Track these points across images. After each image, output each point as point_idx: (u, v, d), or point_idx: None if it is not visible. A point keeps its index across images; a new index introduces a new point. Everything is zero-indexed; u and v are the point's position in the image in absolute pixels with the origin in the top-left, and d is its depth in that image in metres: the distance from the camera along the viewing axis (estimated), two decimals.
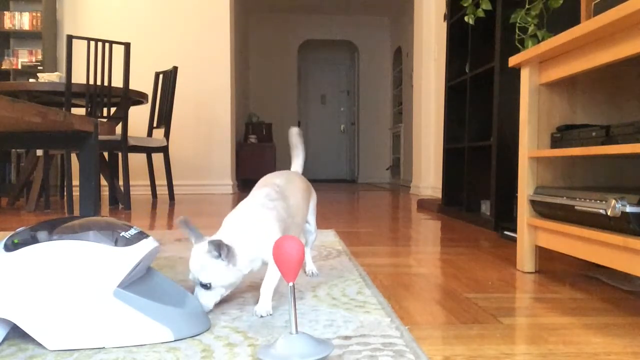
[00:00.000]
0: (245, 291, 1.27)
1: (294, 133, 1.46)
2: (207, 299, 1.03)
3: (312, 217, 1.41)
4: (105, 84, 3.53)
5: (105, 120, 3.63)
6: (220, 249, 1.00)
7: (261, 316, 1.06)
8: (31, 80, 4.16)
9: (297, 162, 1.46)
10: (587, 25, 1.21)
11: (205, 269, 1.02)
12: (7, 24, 5.43)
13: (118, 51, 3.68)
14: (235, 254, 1.04)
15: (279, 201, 1.17)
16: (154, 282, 1.00)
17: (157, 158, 4.73)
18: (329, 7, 8.56)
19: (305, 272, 1.45)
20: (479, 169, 2.94)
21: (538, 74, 1.54)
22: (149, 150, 4.12)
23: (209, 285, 1.02)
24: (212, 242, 1.00)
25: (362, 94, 9.23)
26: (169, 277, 1.06)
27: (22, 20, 5.45)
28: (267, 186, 1.21)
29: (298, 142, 1.46)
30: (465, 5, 2.56)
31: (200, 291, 1.03)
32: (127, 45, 3.62)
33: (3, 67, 5.49)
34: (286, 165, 7.45)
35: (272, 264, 1.09)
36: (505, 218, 2.44)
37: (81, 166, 1.72)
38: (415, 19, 5.31)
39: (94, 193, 1.69)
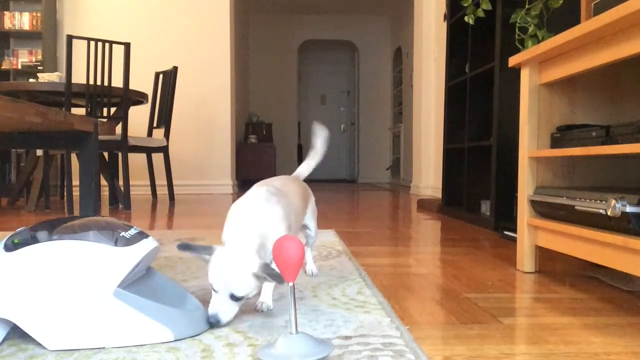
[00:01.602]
0: None
1: (321, 134, 1.40)
2: (232, 311, 0.98)
3: (312, 222, 1.39)
4: (105, 84, 3.53)
5: (105, 120, 3.63)
6: (269, 276, 0.95)
7: (261, 311, 1.07)
8: (31, 80, 4.16)
9: (306, 165, 1.42)
10: (587, 25, 1.21)
11: (243, 284, 0.96)
12: (7, 24, 5.43)
13: (118, 51, 3.68)
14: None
15: (280, 197, 1.15)
16: (154, 282, 1.00)
17: (157, 158, 4.73)
18: (329, 7, 8.56)
19: (305, 272, 1.45)
20: (479, 169, 2.94)
21: (538, 74, 1.54)
22: (149, 150, 4.12)
23: (240, 298, 0.97)
24: (265, 267, 0.96)
25: (362, 94, 9.24)
26: (169, 277, 1.06)
27: (22, 20, 5.45)
28: (265, 185, 1.20)
29: (320, 146, 1.41)
30: (465, 5, 2.56)
31: (226, 303, 0.97)
32: (127, 45, 3.62)
33: (3, 67, 5.49)
34: (285, 165, 7.43)
35: None
36: (505, 218, 2.44)
37: (81, 166, 1.72)
38: (415, 19, 5.30)
39: (94, 193, 1.69)
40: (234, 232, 1.04)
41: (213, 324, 0.96)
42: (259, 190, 1.13)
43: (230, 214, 1.09)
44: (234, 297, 0.97)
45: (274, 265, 1.08)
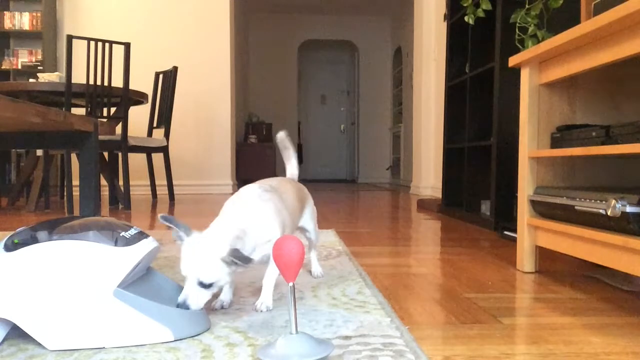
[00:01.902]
0: (245, 291, 1.26)
1: (282, 137, 1.37)
2: (202, 298, 0.96)
3: (310, 223, 1.37)
4: (105, 84, 3.53)
5: (105, 120, 3.63)
6: (238, 259, 0.95)
7: (260, 311, 1.07)
8: (31, 80, 4.16)
9: (291, 166, 1.40)
10: (587, 25, 1.21)
11: (210, 270, 0.95)
12: (7, 24, 5.43)
13: (118, 51, 3.67)
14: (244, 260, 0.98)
15: (274, 193, 1.15)
16: (154, 282, 1.00)
17: (157, 158, 4.73)
18: (329, 7, 8.56)
19: (311, 274, 1.43)
20: (479, 169, 2.94)
21: (538, 74, 1.54)
22: (149, 150, 4.12)
23: (209, 285, 0.96)
24: (233, 251, 0.95)
25: (362, 94, 9.23)
26: (169, 277, 1.06)
27: (22, 20, 5.45)
28: (259, 183, 1.19)
29: (289, 145, 1.37)
30: (465, 5, 2.56)
31: (194, 289, 0.96)
32: (127, 45, 3.62)
33: (3, 67, 5.49)
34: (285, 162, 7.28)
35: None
36: (505, 218, 2.44)
37: (81, 166, 1.72)
38: (415, 19, 5.30)
39: (94, 193, 1.69)
40: (215, 223, 1.04)
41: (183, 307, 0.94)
42: (252, 187, 1.14)
43: (222, 211, 1.10)
44: (202, 284, 0.95)
45: (273, 265, 1.08)
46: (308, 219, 1.36)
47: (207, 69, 5.51)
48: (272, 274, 1.10)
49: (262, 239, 1.06)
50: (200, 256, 0.96)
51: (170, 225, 0.99)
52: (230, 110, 5.56)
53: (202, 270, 0.95)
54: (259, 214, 1.08)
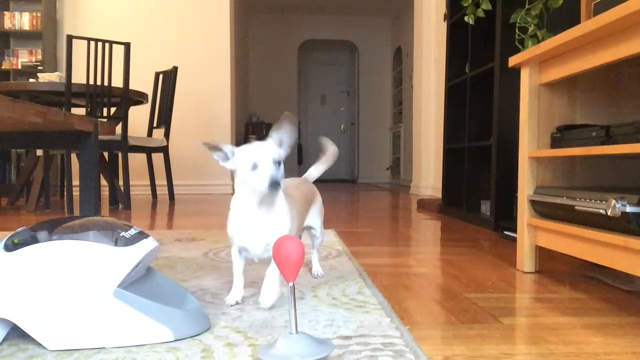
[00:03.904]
0: (245, 291, 1.26)
1: (328, 143, 1.47)
2: (280, 172, 1.08)
3: (317, 222, 1.38)
4: (105, 84, 3.53)
5: (105, 120, 3.63)
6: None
7: (264, 307, 1.07)
8: (31, 80, 4.16)
9: (316, 168, 1.44)
10: (587, 25, 1.21)
11: (277, 149, 1.10)
12: (7, 24, 5.43)
13: (118, 51, 3.67)
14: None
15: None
16: (154, 282, 1.00)
17: (157, 158, 4.73)
18: (329, 7, 8.56)
19: (311, 274, 1.43)
20: (479, 169, 2.94)
21: (538, 74, 1.54)
22: (149, 150, 4.12)
23: (279, 162, 1.09)
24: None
25: (362, 94, 9.23)
26: (169, 277, 1.06)
27: (22, 20, 5.45)
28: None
29: (330, 153, 1.46)
30: (465, 5, 2.56)
31: (278, 168, 1.07)
32: (127, 45, 3.62)
33: (3, 67, 5.49)
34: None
35: None
36: (505, 218, 2.44)
37: (81, 166, 1.72)
38: (415, 19, 5.30)
39: (94, 193, 1.69)
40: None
41: (276, 184, 1.05)
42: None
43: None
44: (276, 162, 1.07)
45: (273, 264, 1.08)
46: (316, 217, 1.37)
47: (207, 69, 5.50)
48: (275, 270, 1.09)
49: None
50: (267, 145, 1.09)
51: (216, 146, 1.08)
52: (230, 110, 5.56)
53: (275, 149, 1.09)
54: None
